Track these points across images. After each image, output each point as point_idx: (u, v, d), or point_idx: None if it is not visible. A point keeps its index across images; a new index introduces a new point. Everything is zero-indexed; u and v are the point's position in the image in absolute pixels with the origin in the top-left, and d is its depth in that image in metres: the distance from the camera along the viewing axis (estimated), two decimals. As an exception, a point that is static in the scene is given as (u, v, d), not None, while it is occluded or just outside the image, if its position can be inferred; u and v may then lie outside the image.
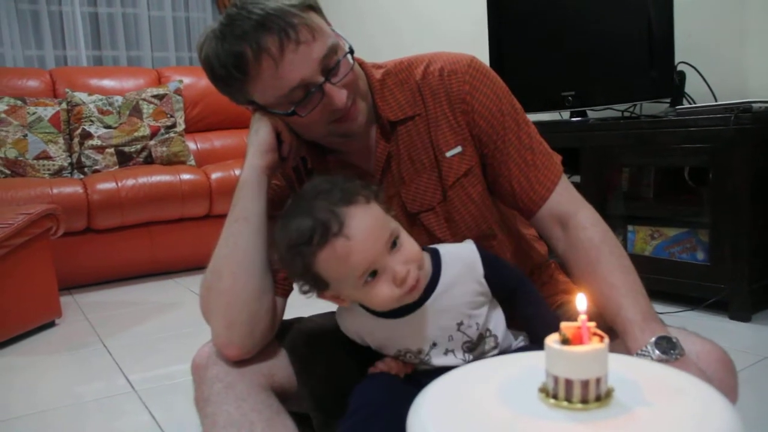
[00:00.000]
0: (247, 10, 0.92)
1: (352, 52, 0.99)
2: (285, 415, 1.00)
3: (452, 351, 0.95)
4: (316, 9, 0.97)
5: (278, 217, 0.91)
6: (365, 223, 0.84)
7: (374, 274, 0.86)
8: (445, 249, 0.97)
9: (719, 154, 2.08)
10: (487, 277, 0.95)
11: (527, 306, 0.99)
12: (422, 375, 0.95)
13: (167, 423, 1.61)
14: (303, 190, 0.90)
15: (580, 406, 0.59)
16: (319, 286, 0.89)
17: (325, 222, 0.83)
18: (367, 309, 0.95)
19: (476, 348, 0.96)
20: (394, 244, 0.86)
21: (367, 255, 0.84)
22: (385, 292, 0.87)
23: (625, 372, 0.67)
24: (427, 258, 0.95)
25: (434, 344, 0.95)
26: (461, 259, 0.96)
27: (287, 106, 0.96)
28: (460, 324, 0.94)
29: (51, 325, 2.54)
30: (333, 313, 1.22)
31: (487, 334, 0.96)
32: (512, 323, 1.01)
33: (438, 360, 0.96)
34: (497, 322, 0.98)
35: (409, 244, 0.88)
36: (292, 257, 0.87)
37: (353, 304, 0.96)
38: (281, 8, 0.91)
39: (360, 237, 0.83)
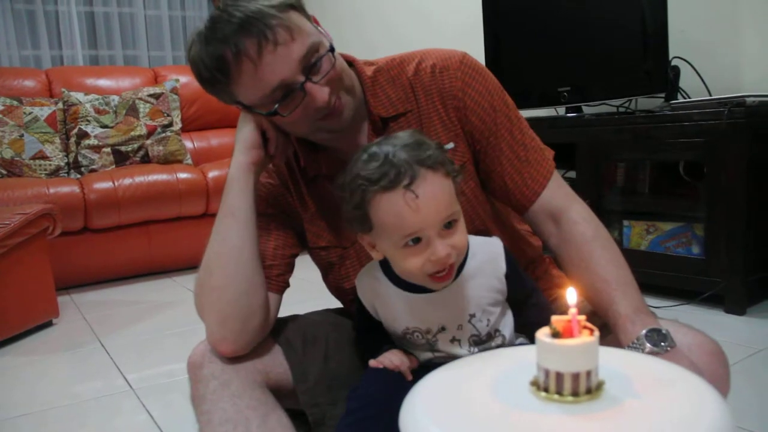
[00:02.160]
0: (228, 13, 0.92)
1: (332, 49, 0.99)
2: (281, 412, 1.01)
3: (458, 341, 0.95)
4: (297, 8, 0.97)
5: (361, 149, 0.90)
6: (434, 191, 0.83)
7: (417, 241, 0.85)
8: (473, 239, 0.96)
9: (713, 148, 2.09)
10: (507, 275, 0.95)
11: (538, 314, 0.97)
12: (424, 371, 0.94)
13: (165, 421, 1.61)
14: (397, 134, 0.89)
15: (570, 398, 0.60)
16: (363, 226, 0.88)
17: (400, 171, 0.82)
18: (390, 278, 0.95)
19: (483, 344, 0.96)
20: (449, 225, 0.86)
21: (421, 219, 0.83)
22: (416, 264, 0.86)
23: (616, 365, 0.68)
24: None
25: (443, 329, 0.94)
26: (486, 252, 0.96)
27: (270, 105, 0.97)
28: (472, 316, 0.94)
29: (48, 324, 2.55)
30: (329, 310, 1.23)
31: (496, 334, 0.96)
32: (516, 328, 1.01)
33: (443, 345, 0.95)
34: (507, 325, 0.97)
35: (461, 233, 0.88)
36: (354, 188, 0.86)
37: (378, 271, 0.96)
38: (260, 10, 0.92)
39: (424, 200, 0.82)
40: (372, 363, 0.97)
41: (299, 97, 0.95)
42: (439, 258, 0.84)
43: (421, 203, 0.82)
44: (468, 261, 0.94)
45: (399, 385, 0.91)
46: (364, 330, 1.05)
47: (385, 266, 0.96)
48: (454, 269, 0.89)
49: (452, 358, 0.94)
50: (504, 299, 0.96)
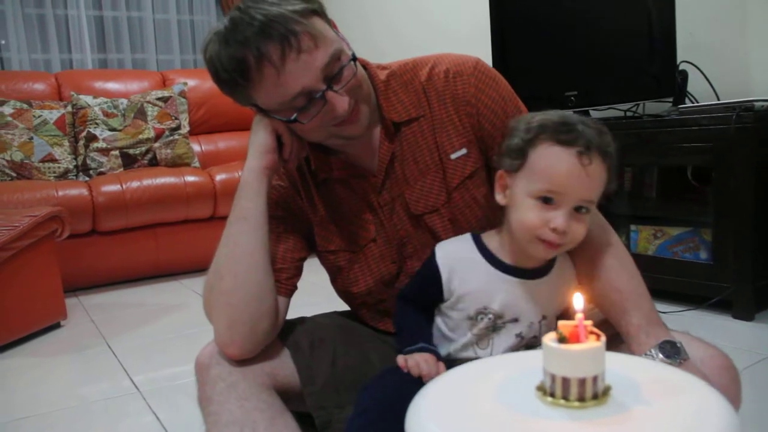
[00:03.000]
0: (250, 15, 0.91)
1: (354, 58, 0.99)
2: (287, 415, 1.01)
3: (522, 338, 0.95)
4: (319, 13, 0.96)
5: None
6: (596, 172, 0.87)
7: (549, 201, 0.88)
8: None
9: (721, 152, 2.08)
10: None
11: None
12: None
13: (171, 424, 1.62)
14: (569, 115, 0.92)
15: (577, 404, 0.60)
16: (515, 161, 0.91)
17: (584, 137, 0.87)
18: (485, 256, 0.97)
19: (531, 348, 0.96)
20: (581, 208, 0.89)
21: (571, 183, 0.87)
22: (534, 220, 0.89)
23: (623, 370, 0.68)
24: None
25: (516, 319, 0.95)
26: (568, 258, 0.99)
27: (289, 112, 0.96)
28: (544, 318, 0.96)
29: (56, 326, 2.56)
30: (336, 312, 1.23)
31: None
32: None
33: (502, 337, 0.95)
34: None
35: (583, 226, 0.90)
36: (532, 126, 0.90)
37: (472, 245, 0.98)
38: (283, 14, 0.91)
39: (585, 171, 0.87)
40: (399, 361, 0.96)
41: (319, 105, 0.95)
42: (556, 226, 0.87)
43: (582, 171, 0.86)
44: (557, 264, 0.97)
45: (411, 387, 0.91)
46: (407, 300, 1.04)
47: (480, 244, 0.98)
48: (560, 249, 0.91)
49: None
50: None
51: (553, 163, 0.87)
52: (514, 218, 0.91)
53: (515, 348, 0.96)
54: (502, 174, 0.93)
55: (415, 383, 0.92)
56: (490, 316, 0.95)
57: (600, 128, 0.90)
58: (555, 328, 0.95)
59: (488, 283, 0.95)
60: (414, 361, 0.94)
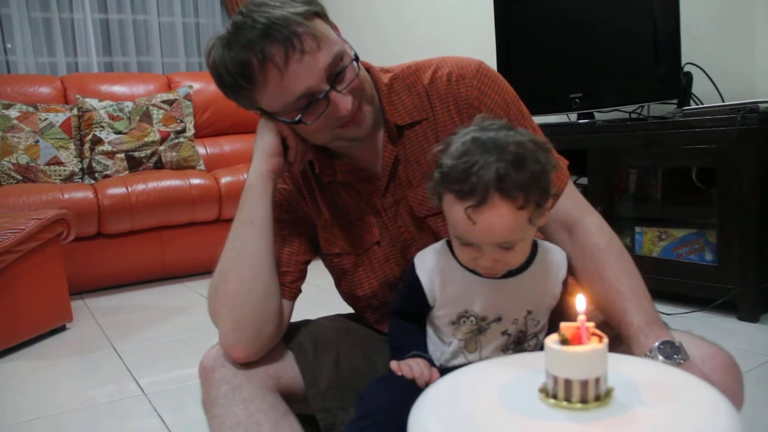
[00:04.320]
0: (252, 19, 0.92)
1: (357, 58, 0.99)
2: (291, 417, 1.01)
3: (508, 335, 0.95)
4: (321, 16, 0.97)
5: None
6: (494, 221, 0.81)
7: (470, 244, 0.86)
8: (540, 240, 0.98)
9: (726, 154, 2.08)
10: (563, 283, 0.96)
11: None
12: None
13: (176, 426, 1.62)
14: (513, 135, 0.85)
15: (579, 405, 0.60)
16: (437, 200, 0.89)
17: (474, 189, 0.80)
18: (463, 264, 0.95)
19: (521, 344, 0.96)
20: (507, 245, 0.86)
21: (473, 237, 0.84)
22: (466, 259, 0.89)
23: (625, 372, 0.68)
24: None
25: (499, 318, 0.94)
26: (553, 253, 0.98)
27: (293, 113, 0.97)
28: (529, 312, 0.94)
29: (62, 329, 2.57)
30: (340, 315, 1.24)
31: (532, 340, 0.96)
32: None
33: (488, 338, 0.95)
34: (542, 336, 0.97)
35: (517, 254, 0.87)
36: (437, 172, 0.86)
37: (447, 252, 0.96)
38: (286, 17, 0.91)
39: (480, 226, 0.82)
40: (393, 366, 0.96)
41: (323, 106, 0.95)
42: (484, 267, 0.87)
43: (477, 227, 0.82)
44: (536, 259, 0.95)
45: (407, 393, 0.91)
46: (397, 314, 1.03)
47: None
48: (503, 271, 0.90)
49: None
50: (553, 307, 0.97)
51: (453, 216, 0.84)
52: (455, 252, 0.92)
53: (504, 346, 0.96)
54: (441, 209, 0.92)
55: (413, 387, 0.92)
56: (473, 319, 0.95)
57: (517, 155, 0.81)
58: (544, 321, 0.96)
59: (466, 287, 0.94)
60: (407, 365, 0.95)
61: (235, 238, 1.03)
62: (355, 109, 0.98)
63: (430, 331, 1.01)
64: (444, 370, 0.94)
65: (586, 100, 2.58)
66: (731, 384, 0.88)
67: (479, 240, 0.84)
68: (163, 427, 1.63)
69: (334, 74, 0.95)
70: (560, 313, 0.98)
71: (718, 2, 2.44)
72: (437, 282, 0.96)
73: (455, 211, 0.83)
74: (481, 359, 0.95)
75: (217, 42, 0.96)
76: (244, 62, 0.93)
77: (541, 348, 0.95)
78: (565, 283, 0.97)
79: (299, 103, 0.95)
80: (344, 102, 0.96)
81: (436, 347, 1.00)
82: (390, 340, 1.05)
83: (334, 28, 1.00)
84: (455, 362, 0.97)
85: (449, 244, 0.97)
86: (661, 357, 0.85)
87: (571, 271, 1.07)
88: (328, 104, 0.95)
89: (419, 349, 0.99)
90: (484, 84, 1.06)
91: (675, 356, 0.85)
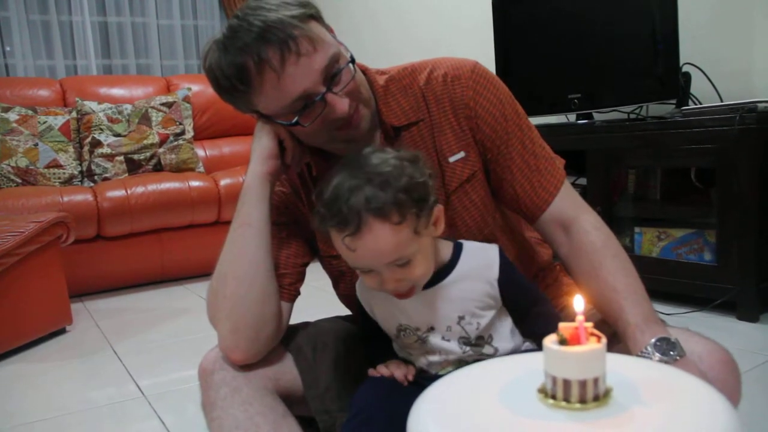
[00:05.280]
0: (248, 22, 0.92)
1: (353, 60, 1.00)
2: (291, 419, 1.01)
3: (448, 340, 0.96)
4: (317, 18, 0.97)
5: (316, 189, 0.90)
6: (375, 243, 0.84)
7: (369, 270, 0.88)
8: (468, 244, 0.98)
9: (725, 154, 2.08)
10: (499, 281, 0.95)
11: (543, 323, 0.95)
12: (425, 378, 0.95)
13: (176, 428, 1.62)
14: (379, 156, 0.88)
15: (578, 406, 0.60)
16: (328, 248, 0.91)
17: (347, 219, 0.83)
18: None
19: (473, 346, 0.96)
20: (401, 262, 0.87)
21: (362, 263, 0.87)
22: (373, 285, 0.90)
23: (624, 372, 0.68)
24: (448, 247, 0.97)
25: (432, 328, 0.95)
26: (480, 257, 0.97)
27: (290, 116, 0.97)
28: (461, 318, 0.94)
29: (62, 332, 2.57)
30: (339, 317, 1.24)
31: (489, 340, 0.96)
32: (523, 335, 1.01)
33: (435, 341, 0.96)
34: (502, 333, 0.97)
35: (417, 267, 0.88)
36: (318, 208, 0.88)
37: None
38: (281, 19, 0.92)
39: (363, 250, 0.85)
40: (370, 372, 1.00)
41: (320, 108, 0.96)
42: (388, 289, 0.89)
43: (360, 253, 0.85)
44: (459, 265, 0.95)
45: (394, 391, 0.95)
46: (367, 334, 1.07)
47: None
48: (414, 290, 0.91)
49: (448, 359, 0.96)
50: (498, 305, 0.97)
51: (339, 249, 0.88)
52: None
53: (457, 351, 0.96)
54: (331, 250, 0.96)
55: (397, 387, 0.95)
56: (409, 331, 0.97)
57: (385, 173, 0.85)
58: (485, 322, 0.95)
59: (392, 304, 0.96)
60: (382, 366, 0.99)
61: (233, 241, 1.03)
62: (352, 111, 0.98)
63: (395, 346, 1.05)
64: (433, 378, 0.94)
65: (585, 100, 2.58)
66: (729, 380, 0.88)
67: (370, 264, 0.86)
68: (163, 429, 1.63)
69: (331, 76, 0.96)
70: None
71: (716, 2, 2.44)
72: (369, 303, 1.02)
73: (337, 243, 0.87)
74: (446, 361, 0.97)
75: (214, 46, 0.97)
76: (240, 65, 0.93)
77: (516, 350, 0.97)
78: (502, 282, 0.95)
79: (296, 105, 0.95)
80: (341, 104, 0.96)
81: (413, 359, 1.02)
82: (368, 358, 1.07)
83: (330, 30, 1.01)
84: (433, 369, 0.99)
85: None
86: (657, 354, 0.86)
87: (567, 269, 1.08)
88: (325, 106, 0.96)
89: (393, 356, 1.03)
90: (479, 84, 1.06)
91: (671, 353, 0.85)
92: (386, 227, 0.83)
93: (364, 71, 1.08)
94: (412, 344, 0.99)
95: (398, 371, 0.98)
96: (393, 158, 0.88)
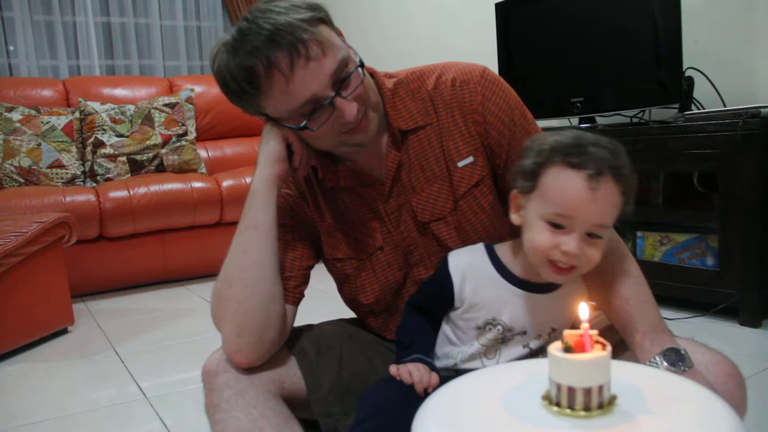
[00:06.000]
0: (258, 25, 0.92)
1: (362, 64, 1.00)
2: (294, 422, 1.01)
3: (528, 347, 0.96)
4: (326, 22, 0.97)
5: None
6: (607, 196, 0.86)
7: (560, 226, 0.87)
8: None
9: (728, 159, 2.08)
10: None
11: None
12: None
13: (178, 430, 1.62)
14: (600, 137, 0.90)
15: (582, 413, 0.60)
16: (527, 183, 0.90)
17: (594, 160, 0.85)
18: (498, 269, 0.97)
19: (533, 356, 0.96)
20: (593, 235, 0.87)
21: (580, 209, 0.86)
22: (546, 243, 0.88)
23: (629, 379, 0.68)
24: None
25: (524, 332, 0.95)
26: (580, 278, 0.99)
27: (299, 119, 0.97)
28: (554, 330, 0.96)
29: (63, 332, 2.57)
30: (343, 320, 1.24)
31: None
32: None
33: (509, 348, 0.95)
34: None
35: (597, 250, 0.89)
36: (543, 148, 0.89)
37: (485, 257, 0.98)
38: (290, 23, 0.91)
39: (595, 196, 0.85)
40: (392, 370, 0.97)
41: (328, 112, 0.96)
42: (567, 250, 0.86)
43: (590, 195, 0.84)
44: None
45: (407, 397, 0.92)
46: (414, 308, 1.04)
47: (493, 255, 0.98)
48: (572, 273, 0.90)
49: (500, 361, 0.96)
50: None
51: (563, 186, 0.86)
52: (527, 239, 0.91)
53: (521, 358, 0.96)
54: (516, 195, 0.93)
55: (413, 392, 0.93)
56: (499, 327, 0.95)
57: (615, 149, 0.88)
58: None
59: (498, 295, 0.95)
60: (406, 370, 0.95)
61: (240, 243, 1.03)
62: (360, 115, 0.98)
63: (448, 329, 1.01)
64: (457, 372, 0.94)
65: (588, 104, 2.58)
66: (735, 392, 0.88)
67: (582, 213, 0.85)
68: (164, 430, 1.63)
69: (340, 80, 0.95)
70: None
71: (719, 6, 2.44)
72: (469, 284, 0.97)
73: (569, 179, 0.85)
74: None
75: (222, 48, 0.97)
76: (249, 68, 0.93)
77: None
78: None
79: (304, 109, 0.95)
80: (350, 108, 0.96)
81: (453, 347, 1.00)
82: (398, 333, 1.06)
83: (339, 34, 1.01)
84: (470, 365, 0.98)
85: (489, 248, 0.97)
86: (665, 364, 0.86)
87: None
88: (334, 110, 0.95)
89: (426, 350, 1.00)
90: (488, 89, 1.06)
91: (680, 363, 0.86)
92: (616, 187, 0.87)
93: (373, 74, 1.08)
94: (488, 340, 0.97)
95: (420, 384, 0.93)
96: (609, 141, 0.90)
